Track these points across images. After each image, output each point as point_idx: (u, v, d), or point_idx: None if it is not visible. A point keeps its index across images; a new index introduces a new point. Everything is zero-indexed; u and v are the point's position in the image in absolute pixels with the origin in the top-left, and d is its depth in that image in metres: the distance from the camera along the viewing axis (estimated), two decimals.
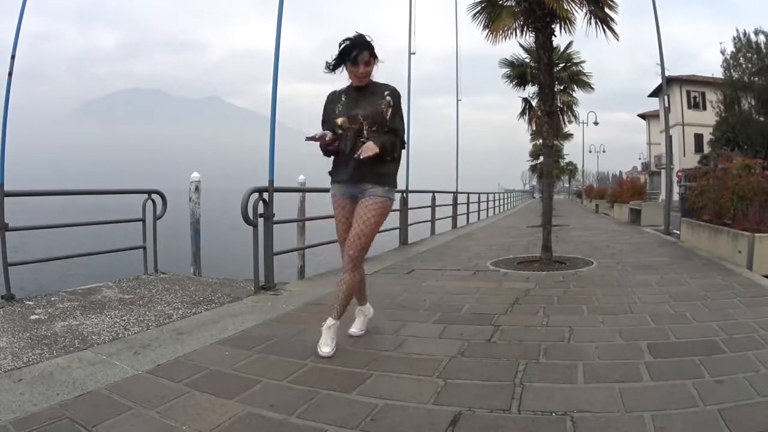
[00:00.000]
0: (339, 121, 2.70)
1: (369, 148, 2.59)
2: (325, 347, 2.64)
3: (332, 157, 2.81)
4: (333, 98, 2.81)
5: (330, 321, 2.71)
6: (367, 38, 2.68)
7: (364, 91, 2.75)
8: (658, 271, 5.16)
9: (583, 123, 29.74)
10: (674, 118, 27.75)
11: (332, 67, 2.72)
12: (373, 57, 2.68)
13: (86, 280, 5.32)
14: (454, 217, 12.71)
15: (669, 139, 12.65)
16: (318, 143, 2.70)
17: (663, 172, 19.24)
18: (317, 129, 2.77)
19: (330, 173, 2.86)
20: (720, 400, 1.94)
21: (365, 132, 2.67)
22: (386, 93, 2.73)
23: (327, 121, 2.79)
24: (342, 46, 2.67)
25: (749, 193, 5.92)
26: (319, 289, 4.47)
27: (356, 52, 2.63)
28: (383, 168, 2.72)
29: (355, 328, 3.01)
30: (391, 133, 2.73)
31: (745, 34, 24.20)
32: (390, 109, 2.71)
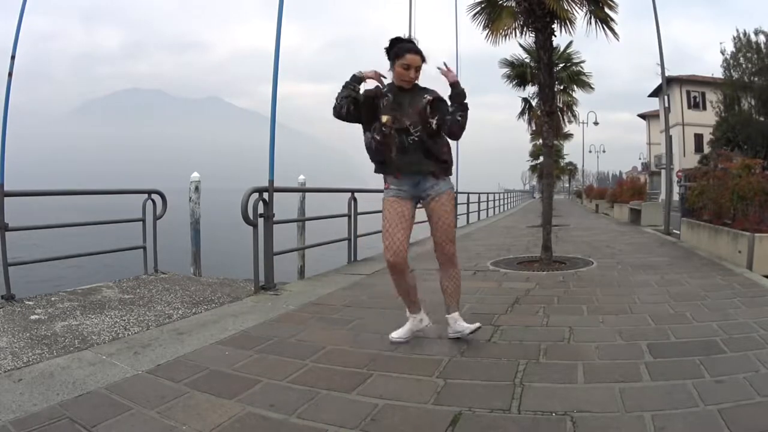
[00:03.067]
0: (384, 119, 2.68)
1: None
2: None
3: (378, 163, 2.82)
4: (377, 90, 2.76)
5: (456, 315, 2.84)
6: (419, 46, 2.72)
7: (407, 93, 2.74)
8: (658, 271, 5.16)
9: (583, 123, 29.78)
10: (674, 118, 27.76)
11: (388, 54, 2.72)
12: (421, 66, 2.72)
13: (86, 280, 5.32)
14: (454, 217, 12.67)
15: (669, 139, 12.65)
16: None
17: (663, 172, 19.23)
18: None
19: (379, 168, 2.81)
20: (720, 400, 1.94)
21: (411, 130, 2.68)
22: (426, 95, 2.73)
23: (366, 98, 2.74)
24: (398, 45, 2.68)
25: (749, 193, 5.92)
26: (319, 289, 4.47)
27: (409, 51, 2.65)
28: (434, 163, 2.74)
29: (401, 334, 2.87)
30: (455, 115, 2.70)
31: (745, 34, 24.21)
32: (430, 107, 2.69)
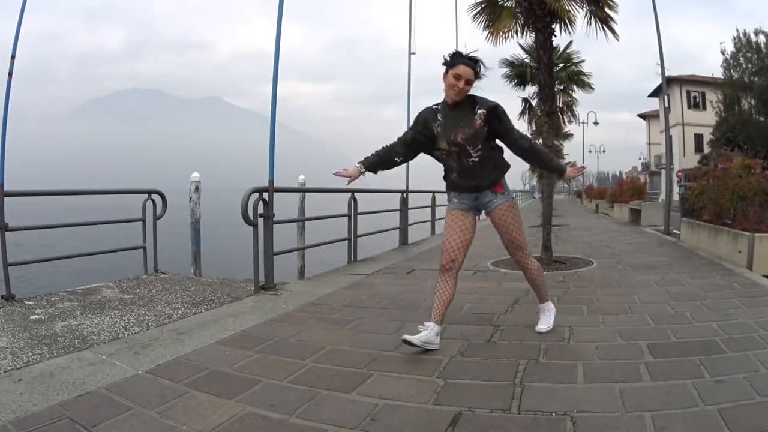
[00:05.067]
0: (441, 146, 2.74)
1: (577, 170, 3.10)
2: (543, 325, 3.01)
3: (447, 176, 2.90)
4: (429, 111, 2.80)
5: (548, 304, 3.10)
6: (478, 60, 2.74)
7: (457, 108, 2.74)
8: (658, 271, 5.16)
9: (583, 123, 29.77)
10: (674, 118, 27.76)
11: (446, 63, 2.72)
12: (475, 78, 2.72)
13: (86, 280, 5.32)
14: None
15: (669, 139, 12.65)
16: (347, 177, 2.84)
17: (663, 172, 19.23)
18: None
19: (447, 185, 2.92)
20: (720, 400, 1.94)
21: (471, 151, 2.71)
22: (478, 109, 2.72)
23: (420, 131, 2.80)
24: (453, 55, 2.71)
25: (749, 193, 5.92)
26: (319, 289, 4.47)
27: (461, 62, 2.67)
28: (494, 177, 2.83)
29: (544, 325, 3.03)
30: (525, 147, 2.79)
31: (745, 34, 24.20)
32: (487, 123, 2.70)
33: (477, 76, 2.70)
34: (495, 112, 2.72)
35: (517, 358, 2.54)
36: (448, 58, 2.72)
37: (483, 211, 2.94)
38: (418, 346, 2.61)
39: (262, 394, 2.16)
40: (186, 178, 7.53)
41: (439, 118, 2.76)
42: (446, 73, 2.70)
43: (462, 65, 2.67)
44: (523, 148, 2.78)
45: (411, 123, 2.90)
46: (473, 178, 2.77)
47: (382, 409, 2.00)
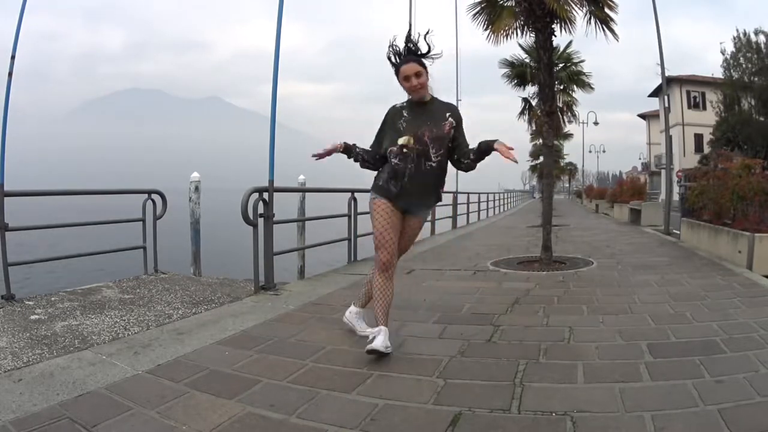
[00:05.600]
0: (402, 141, 2.62)
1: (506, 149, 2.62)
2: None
3: (373, 169, 2.80)
4: (394, 112, 2.72)
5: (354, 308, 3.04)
6: (419, 43, 2.64)
7: (426, 107, 2.69)
8: (658, 271, 5.16)
9: (583, 123, 29.83)
10: (674, 118, 27.75)
11: (393, 65, 2.68)
12: (423, 67, 2.63)
13: (86, 280, 5.32)
14: (454, 217, 12.73)
15: (669, 139, 12.65)
16: (326, 155, 2.77)
17: (663, 172, 19.24)
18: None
19: (379, 187, 2.74)
20: (720, 400, 1.94)
21: (432, 154, 2.64)
22: (448, 114, 2.70)
23: (386, 133, 2.72)
24: (389, 54, 2.65)
25: (749, 193, 5.92)
26: (319, 289, 4.47)
27: (401, 63, 2.61)
28: (436, 196, 2.82)
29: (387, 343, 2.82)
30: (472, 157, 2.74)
31: (745, 34, 24.21)
32: (453, 130, 2.69)
33: (422, 64, 2.63)
34: (460, 123, 2.73)
35: (517, 358, 2.54)
36: (393, 62, 2.66)
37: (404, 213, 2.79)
38: (383, 353, 2.50)
39: (262, 394, 2.16)
40: (186, 178, 7.53)
41: (405, 114, 2.69)
42: (398, 78, 2.66)
43: (403, 65, 2.62)
44: (469, 165, 2.75)
45: (379, 129, 2.78)
46: (424, 189, 2.69)
47: (382, 409, 2.00)
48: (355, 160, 2.83)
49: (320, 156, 2.83)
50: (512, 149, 2.61)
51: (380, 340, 2.52)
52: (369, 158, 2.80)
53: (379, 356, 2.52)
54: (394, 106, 2.75)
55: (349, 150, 2.81)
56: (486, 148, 2.69)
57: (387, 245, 2.69)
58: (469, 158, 2.72)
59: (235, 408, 2.02)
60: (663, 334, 2.87)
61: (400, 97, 2.78)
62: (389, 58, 2.68)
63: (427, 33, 2.66)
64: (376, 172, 2.81)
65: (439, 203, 3.04)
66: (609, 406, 1.95)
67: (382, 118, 2.77)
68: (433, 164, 2.65)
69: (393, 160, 2.66)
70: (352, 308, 3.06)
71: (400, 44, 2.67)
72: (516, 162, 2.63)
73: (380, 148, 2.75)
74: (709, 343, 2.66)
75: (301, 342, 2.90)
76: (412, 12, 9.86)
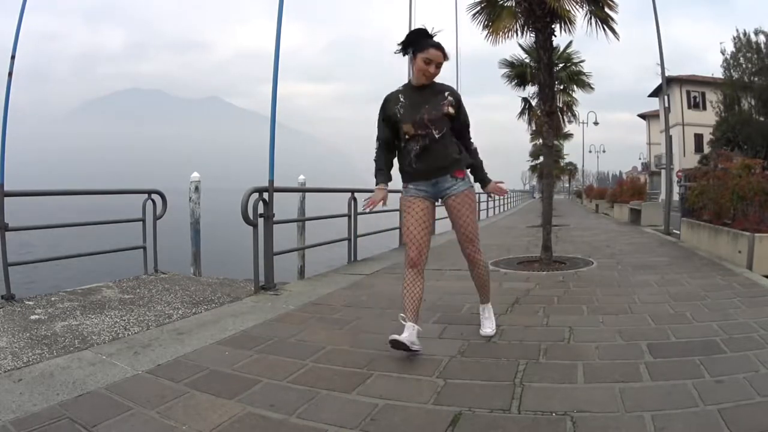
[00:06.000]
0: (405, 128, 2.64)
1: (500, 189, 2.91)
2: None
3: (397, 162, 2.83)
4: (390, 99, 2.73)
5: (489, 306, 3.06)
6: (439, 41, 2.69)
7: (424, 90, 2.70)
8: (658, 271, 5.16)
9: (583, 123, 29.83)
10: (674, 118, 27.76)
11: (408, 44, 2.67)
12: (443, 63, 2.66)
13: (86, 280, 5.32)
14: None
15: (669, 139, 12.65)
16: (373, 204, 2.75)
17: (663, 172, 19.24)
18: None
19: (403, 174, 2.79)
20: (720, 400, 1.94)
21: (435, 134, 2.65)
22: (447, 93, 2.70)
23: (386, 122, 2.73)
24: (422, 39, 2.63)
25: (749, 193, 5.92)
26: (319, 289, 4.47)
27: (432, 46, 2.61)
28: (452, 160, 2.75)
29: (489, 328, 2.97)
30: (470, 149, 2.82)
31: (745, 34, 24.21)
32: (453, 108, 2.69)
33: (446, 58, 2.66)
34: (460, 102, 2.73)
35: (517, 358, 2.53)
36: (411, 39, 2.65)
37: (440, 199, 2.80)
38: (407, 346, 2.49)
39: (262, 394, 2.16)
40: (186, 178, 7.53)
41: (402, 99, 2.69)
42: (413, 56, 2.64)
43: (432, 48, 2.61)
44: (469, 149, 2.81)
45: (378, 117, 2.78)
46: (435, 160, 2.68)
47: (382, 409, 2.00)
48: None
49: (370, 207, 2.81)
50: (502, 183, 2.87)
51: (406, 333, 2.54)
52: (391, 159, 2.83)
53: (405, 350, 2.52)
54: (387, 96, 2.76)
55: (386, 178, 2.83)
56: (478, 180, 2.87)
57: (414, 241, 2.70)
58: (465, 152, 2.79)
59: (235, 408, 2.02)
60: (663, 334, 2.87)
61: None
62: (415, 34, 2.66)
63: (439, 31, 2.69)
64: (387, 170, 2.85)
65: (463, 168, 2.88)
66: (609, 406, 1.95)
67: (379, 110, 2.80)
68: (438, 141, 2.68)
69: (400, 143, 2.72)
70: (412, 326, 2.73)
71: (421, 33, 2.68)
72: (506, 193, 2.91)
73: (388, 136, 2.75)
74: (709, 343, 2.66)
75: (301, 342, 2.90)
76: (412, 12, 9.86)
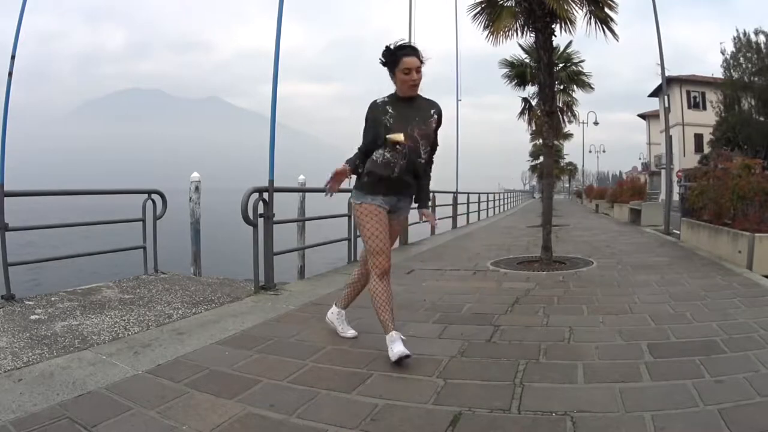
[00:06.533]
0: (395, 137, 2.57)
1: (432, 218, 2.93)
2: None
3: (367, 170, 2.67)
4: (377, 108, 2.65)
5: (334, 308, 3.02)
6: (413, 44, 2.67)
7: (411, 103, 2.66)
8: (658, 271, 5.16)
9: (583, 123, 29.84)
10: (674, 118, 27.75)
11: (385, 63, 2.63)
12: (422, 64, 2.61)
13: (86, 280, 5.32)
14: (454, 217, 12.72)
15: (669, 139, 12.64)
16: (334, 181, 2.65)
17: (663, 172, 19.24)
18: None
19: (366, 184, 2.69)
20: (720, 400, 1.94)
21: (421, 151, 2.65)
22: (433, 111, 2.69)
23: (374, 130, 2.62)
24: (394, 46, 2.59)
25: (749, 193, 5.92)
26: (319, 289, 4.48)
27: (404, 54, 2.57)
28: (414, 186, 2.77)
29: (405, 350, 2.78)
30: (426, 173, 2.78)
31: (745, 34, 24.19)
32: (436, 126, 2.71)
33: (421, 60, 2.61)
34: (440, 123, 2.72)
35: (517, 358, 2.54)
36: (385, 58, 2.61)
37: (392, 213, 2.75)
38: (408, 354, 2.48)
39: (262, 394, 2.16)
40: (186, 178, 7.52)
41: (390, 110, 2.63)
42: (392, 71, 2.60)
43: (405, 57, 2.57)
44: (429, 163, 2.77)
45: (365, 129, 2.68)
46: (410, 181, 2.68)
47: (382, 409, 2.00)
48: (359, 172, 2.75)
49: (331, 188, 2.72)
50: (436, 223, 3.07)
51: (399, 346, 2.50)
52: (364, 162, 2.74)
53: (407, 358, 2.49)
54: (375, 102, 2.69)
55: (355, 167, 2.73)
56: (419, 199, 2.82)
57: (386, 250, 2.66)
58: (428, 164, 2.77)
59: (235, 408, 2.02)
60: (663, 334, 2.87)
61: None
62: (386, 53, 2.61)
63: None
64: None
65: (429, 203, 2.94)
66: (609, 406, 1.95)
67: (365, 117, 2.69)
68: (422, 160, 2.67)
69: (385, 154, 2.61)
70: (334, 309, 3.08)
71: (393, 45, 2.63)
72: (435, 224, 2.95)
73: (372, 145, 2.66)
74: (709, 343, 2.66)
75: (301, 342, 2.90)
76: (412, 12, 9.88)
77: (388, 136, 2.57)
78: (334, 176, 2.66)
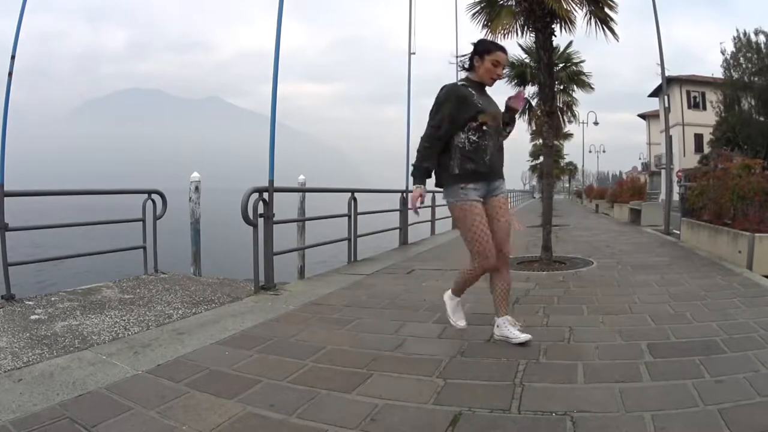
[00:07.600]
0: (484, 117, 2.63)
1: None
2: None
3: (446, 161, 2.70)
4: (460, 89, 2.68)
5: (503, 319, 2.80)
6: None
7: (484, 93, 2.78)
8: (658, 271, 5.16)
9: (583, 123, 29.82)
10: (674, 118, 27.75)
11: (475, 47, 2.74)
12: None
13: (86, 280, 5.32)
14: None
15: (669, 139, 12.64)
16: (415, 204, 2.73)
17: (663, 172, 19.24)
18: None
19: (458, 176, 2.64)
20: (720, 400, 1.94)
21: (503, 132, 2.82)
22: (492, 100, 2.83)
23: (461, 108, 2.63)
24: (487, 42, 2.81)
25: (749, 193, 5.92)
26: (319, 289, 4.47)
27: (500, 49, 2.74)
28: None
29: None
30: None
31: (745, 34, 24.19)
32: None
33: (505, 65, 2.82)
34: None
35: (517, 358, 2.53)
36: (480, 46, 2.75)
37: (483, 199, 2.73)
38: (529, 338, 2.68)
39: (262, 394, 2.16)
40: (186, 178, 7.53)
41: (474, 92, 2.69)
42: (480, 58, 2.70)
43: (499, 51, 2.72)
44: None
45: (443, 108, 2.64)
46: (500, 160, 2.78)
47: (382, 409, 2.00)
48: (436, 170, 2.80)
49: (416, 210, 2.80)
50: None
51: (518, 329, 2.73)
52: (435, 158, 2.74)
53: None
54: (455, 84, 2.73)
55: (429, 173, 2.75)
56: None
57: (487, 252, 2.64)
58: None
59: (235, 408, 2.02)
60: (663, 334, 2.87)
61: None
62: (483, 41, 2.81)
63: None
64: (432, 170, 2.75)
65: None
66: (609, 406, 1.95)
67: (440, 97, 2.68)
68: (504, 139, 2.85)
69: (471, 137, 2.63)
70: (497, 320, 2.83)
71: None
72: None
73: (452, 125, 2.63)
74: (709, 343, 2.66)
75: (301, 342, 2.90)
76: (412, 12, 9.87)
77: (481, 113, 2.64)
78: (413, 201, 2.74)
